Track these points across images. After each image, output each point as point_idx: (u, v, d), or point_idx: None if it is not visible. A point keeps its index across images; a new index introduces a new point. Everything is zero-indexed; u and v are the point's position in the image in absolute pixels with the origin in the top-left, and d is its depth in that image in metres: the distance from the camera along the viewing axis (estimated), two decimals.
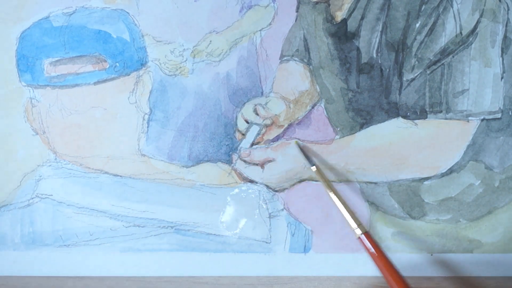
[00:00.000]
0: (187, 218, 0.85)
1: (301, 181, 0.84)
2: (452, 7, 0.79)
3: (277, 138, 0.86)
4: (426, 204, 0.83)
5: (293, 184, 0.84)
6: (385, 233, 0.83)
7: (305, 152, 0.82)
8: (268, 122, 0.85)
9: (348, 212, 0.76)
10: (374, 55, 0.82)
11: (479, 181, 0.82)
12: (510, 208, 0.82)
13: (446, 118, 0.80)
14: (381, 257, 0.73)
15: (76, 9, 0.86)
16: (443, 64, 0.80)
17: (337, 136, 0.84)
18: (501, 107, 0.81)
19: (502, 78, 0.80)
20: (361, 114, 0.84)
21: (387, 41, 0.82)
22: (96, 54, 0.84)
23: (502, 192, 0.82)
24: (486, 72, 0.80)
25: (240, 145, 0.85)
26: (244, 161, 0.84)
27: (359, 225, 0.76)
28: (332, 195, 0.78)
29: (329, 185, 0.79)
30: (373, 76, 0.83)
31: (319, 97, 0.85)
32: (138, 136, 0.86)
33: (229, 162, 0.85)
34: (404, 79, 0.81)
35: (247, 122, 0.85)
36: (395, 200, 0.83)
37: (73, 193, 0.86)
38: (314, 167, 0.81)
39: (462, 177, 0.82)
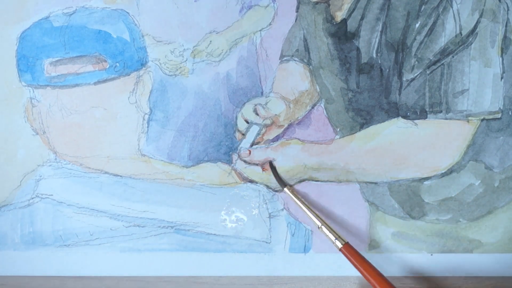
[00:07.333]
0: (187, 218, 0.85)
1: (301, 181, 0.84)
2: (452, 7, 0.79)
3: (277, 138, 0.86)
4: (426, 204, 0.83)
5: (293, 184, 0.84)
6: (385, 233, 0.83)
7: (277, 174, 0.83)
8: (268, 122, 0.85)
9: (328, 229, 0.77)
10: (374, 55, 0.82)
11: (479, 181, 0.82)
12: (510, 208, 0.82)
13: (446, 118, 0.80)
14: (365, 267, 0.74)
15: (76, 9, 0.86)
16: (443, 64, 0.80)
17: (337, 136, 0.84)
18: (501, 107, 0.81)
19: (502, 78, 0.80)
20: (361, 114, 0.84)
21: (387, 41, 0.81)
22: (96, 54, 0.84)
23: (502, 192, 0.82)
24: (486, 72, 0.80)
25: (240, 145, 0.85)
26: (244, 161, 0.84)
27: (338, 237, 0.77)
28: (309, 214, 0.79)
29: (306, 205, 0.80)
30: (373, 76, 0.83)
31: (319, 97, 0.85)
32: (138, 136, 0.86)
33: (229, 162, 0.85)
34: (404, 79, 0.81)
35: (247, 122, 0.85)
36: (395, 200, 0.83)
37: (73, 193, 0.86)
38: (286, 188, 0.82)
39: (462, 177, 0.82)
